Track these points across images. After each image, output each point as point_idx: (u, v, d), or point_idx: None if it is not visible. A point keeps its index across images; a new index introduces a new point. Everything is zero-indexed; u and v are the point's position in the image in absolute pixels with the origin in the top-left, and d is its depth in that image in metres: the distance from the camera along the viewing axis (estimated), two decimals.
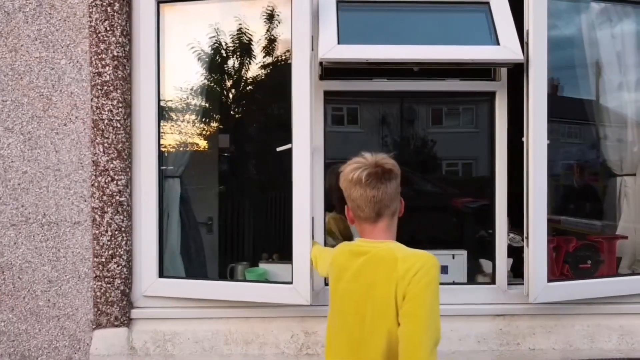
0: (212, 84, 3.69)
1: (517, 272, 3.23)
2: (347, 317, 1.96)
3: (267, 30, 3.48)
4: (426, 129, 11.65)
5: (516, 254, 3.27)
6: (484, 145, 3.48)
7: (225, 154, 4.37)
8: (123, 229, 3.03)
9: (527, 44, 2.89)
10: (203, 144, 3.85)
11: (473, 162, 11.28)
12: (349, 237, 3.79)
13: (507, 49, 2.87)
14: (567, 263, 3.31)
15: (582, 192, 4.08)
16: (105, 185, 3.00)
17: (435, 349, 1.76)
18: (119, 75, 3.01)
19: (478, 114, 11.69)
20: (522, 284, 3.00)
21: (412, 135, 11.53)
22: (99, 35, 2.99)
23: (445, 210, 7.44)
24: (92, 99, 3.01)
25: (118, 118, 3.00)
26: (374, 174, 1.91)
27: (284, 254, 3.27)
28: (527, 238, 2.93)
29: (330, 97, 3.12)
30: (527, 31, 2.90)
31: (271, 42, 3.57)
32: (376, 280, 1.86)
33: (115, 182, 3.01)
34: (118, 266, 3.02)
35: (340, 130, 11.57)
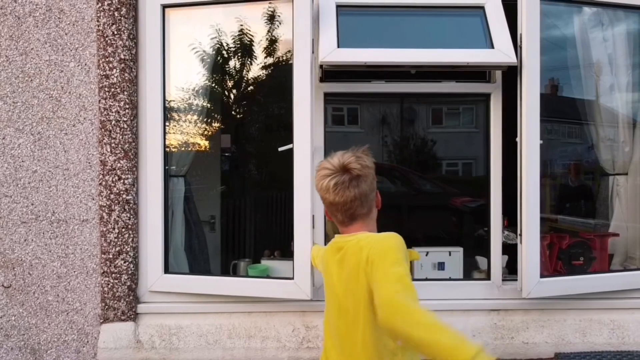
0: (216, 86, 3.78)
1: (512, 269, 3.32)
2: (333, 312, 1.99)
3: (269, 33, 3.58)
4: (426, 129, 11.75)
5: (512, 251, 3.36)
6: (483, 145, 3.55)
7: (229, 154, 4.46)
8: (130, 226, 3.13)
9: (521, 47, 2.99)
10: (207, 144, 3.95)
11: (473, 162, 11.37)
12: None
13: (501, 52, 2.96)
14: (560, 260, 3.40)
15: (576, 191, 4.17)
16: (112, 184, 3.10)
17: (417, 301, 1.65)
18: (126, 78, 3.11)
19: (478, 114, 11.79)
20: (517, 279, 3.10)
21: (411, 135, 11.63)
22: (107, 38, 3.09)
23: (445, 210, 7.54)
24: (99, 100, 3.11)
25: (125, 119, 3.10)
26: (341, 182, 1.88)
27: (286, 251, 3.37)
28: (520, 235, 3.03)
29: (330, 99, 3.22)
30: (521, 35, 3.00)
31: (273, 44, 3.66)
32: (351, 274, 1.86)
33: (122, 181, 3.11)
34: (125, 262, 3.12)
35: (341, 130, 11.67)
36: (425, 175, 10.13)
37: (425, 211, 7.49)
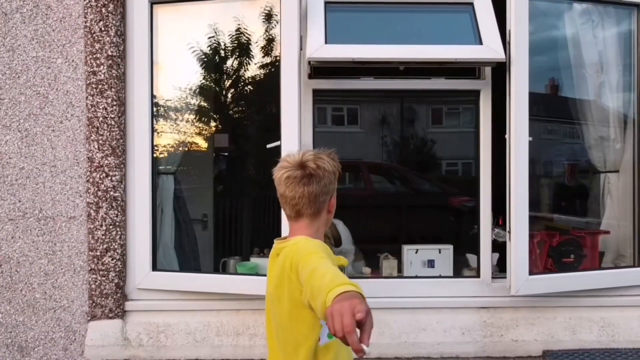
0: (205, 83, 3.77)
1: (503, 267, 3.30)
2: (269, 325, 1.91)
3: (258, 30, 3.56)
4: (426, 129, 11.72)
5: (504, 249, 3.34)
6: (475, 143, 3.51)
7: (219, 153, 4.45)
8: (117, 223, 3.12)
9: (509, 43, 2.98)
10: (196, 141, 3.93)
11: (472, 161, 11.31)
12: (338, 240, 3.85)
13: (489, 49, 2.95)
14: (550, 257, 3.38)
15: (568, 189, 4.15)
16: (100, 181, 3.09)
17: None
18: (113, 74, 3.10)
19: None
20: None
21: (410, 135, 11.60)
22: (94, 35, 3.08)
23: (443, 209, 7.53)
24: (87, 97, 3.10)
25: (112, 116, 3.09)
26: (293, 177, 1.84)
27: None
28: (509, 232, 3.02)
29: (319, 96, 3.21)
30: (509, 31, 2.98)
31: (263, 41, 3.65)
32: (281, 281, 1.78)
33: (109, 177, 3.10)
34: (112, 260, 3.11)
35: (340, 130, 11.68)
36: (424, 175, 10.12)
37: (424, 211, 7.49)
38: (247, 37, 3.63)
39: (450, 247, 3.46)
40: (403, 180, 9.75)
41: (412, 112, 11.74)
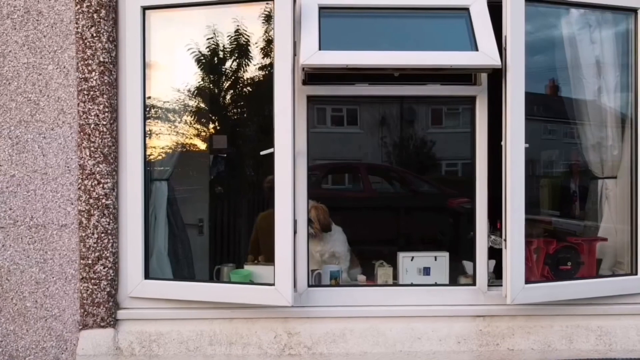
0: (198, 88, 3.74)
1: (500, 274, 3.26)
2: None
3: (253, 35, 3.54)
4: (425, 129, 11.70)
5: (500, 255, 3.30)
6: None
7: (213, 158, 4.42)
8: (109, 231, 3.09)
9: (505, 49, 2.94)
10: (189, 147, 3.90)
11: (470, 164, 11.26)
12: (327, 225, 3.81)
13: (485, 55, 2.92)
14: (547, 265, 3.35)
15: (565, 194, 4.13)
16: (91, 189, 3.06)
17: None
18: (105, 81, 3.06)
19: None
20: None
21: (410, 136, 11.57)
22: (86, 41, 3.05)
23: (442, 211, 7.50)
24: (78, 103, 3.06)
25: (104, 122, 3.06)
26: None
27: (269, 256, 3.32)
28: (505, 240, 2.98)
29: (314, 101, 3.17)
30: (505, 37, 2.95)
31: (256, 46, 3.62)
32: None
33: (101, 185, 3.06)
34: (104, 268, 3.08)
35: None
36: (422, 177, 10.09)
37: (422, 213, 7.46)
38: (241, 42, 3.61)
39: (446, 254, 3.42)
40: (402, 181, 9.72)
41: (412, 113, 11.71)
